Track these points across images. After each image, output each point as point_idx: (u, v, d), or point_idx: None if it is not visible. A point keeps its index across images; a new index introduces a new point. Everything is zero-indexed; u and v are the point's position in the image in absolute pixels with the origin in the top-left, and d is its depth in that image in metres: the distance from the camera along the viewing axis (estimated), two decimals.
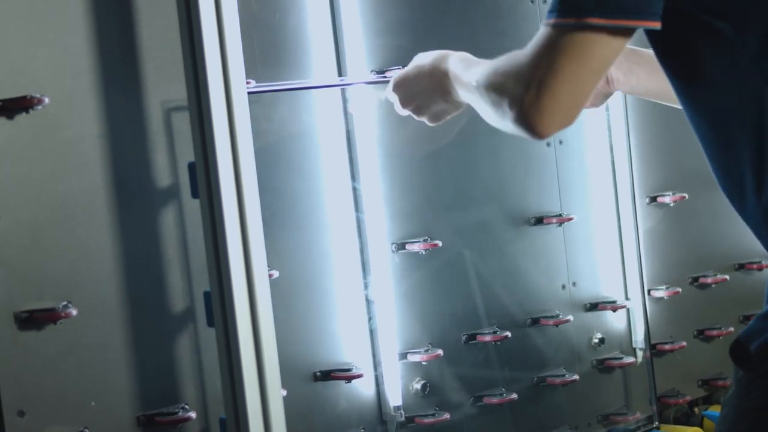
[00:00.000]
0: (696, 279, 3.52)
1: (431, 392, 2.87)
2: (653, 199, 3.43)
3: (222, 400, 2.33)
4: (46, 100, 2.25)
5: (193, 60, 2.26)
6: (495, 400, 2.96)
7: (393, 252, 2.83)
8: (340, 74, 2.74)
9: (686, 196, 3.42)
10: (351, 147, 2.76)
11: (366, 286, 2.78)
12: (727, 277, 3.54)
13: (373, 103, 2.71)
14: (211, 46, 2.25)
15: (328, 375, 2.70)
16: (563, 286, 3.20)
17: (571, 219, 3.17)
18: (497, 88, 1.65)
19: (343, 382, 2.72)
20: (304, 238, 2.69)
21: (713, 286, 3.53)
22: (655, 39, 1.65)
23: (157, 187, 2.45)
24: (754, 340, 1.59)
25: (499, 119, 1.66)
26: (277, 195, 2.61)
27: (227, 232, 2.26)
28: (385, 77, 2.64)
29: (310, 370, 2.69)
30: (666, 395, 3.41)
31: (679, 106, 1.69)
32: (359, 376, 2.71)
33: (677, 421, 3.41)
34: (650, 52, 1.73)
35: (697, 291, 3.53)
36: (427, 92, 1.99)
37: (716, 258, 3.57)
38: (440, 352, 2.84)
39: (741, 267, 3.60)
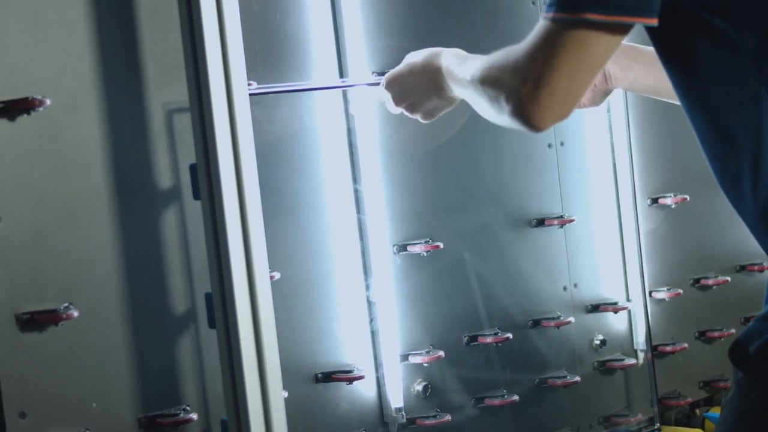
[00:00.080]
0: (697, 280, 3.52)
1: (433, 394, 2.87)
2: (654, 200, 3.42)
3: (223, 402, 2.33)
4: (48, 101, 2.26)
5: (195, 61, 2.26)
6: (496, 401, 2.96)
7: (394, 253, 2.83)
8: (341, 75, 2.74)
9: (687, 197, 3.42)
10: (352, 148, 2.76)
11: (367, 288, 2.78)
12: (729, 278, 3.54)
13: (374, 105, 2.71)
14: (213, 48, 2.25)
15: (329, 376, 2.70)
16: (564, 288, 3.20)
17: (572, 220, 3.17)
18: (494, 82, 1.66)
19: (345, 383, 2.72)
20: (305, 240, 2.69)
21: (714, 287, 3.53)
22: (654, 35, 1.66)
23: (158, 189, 2.45)
24: (753, 342, 1.59)
25: (496, 113, 1.67)
26: (278, 196, 2.61)
27: (228, 234, 2.26)
28: None
29: (312, 372, 2.69)
30: (667, 397, 3.41)
31: (678, 103, 1.70)
32: (360, 377, 2.71)
33: (678, 423, 3.41)
34: (649, 48, 1.74)
35: (698, 292, 3.52)
36: (421, 89, 2.00)
37: (717, 259, 3.56)
38: (441, 353, 2.84)
39: (742, 268, 3.60)
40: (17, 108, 2.24)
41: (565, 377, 3.11)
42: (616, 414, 3.28)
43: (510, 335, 2.97)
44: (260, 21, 2.62)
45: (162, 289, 2.45)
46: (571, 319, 3.14)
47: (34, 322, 2.25)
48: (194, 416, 2.43)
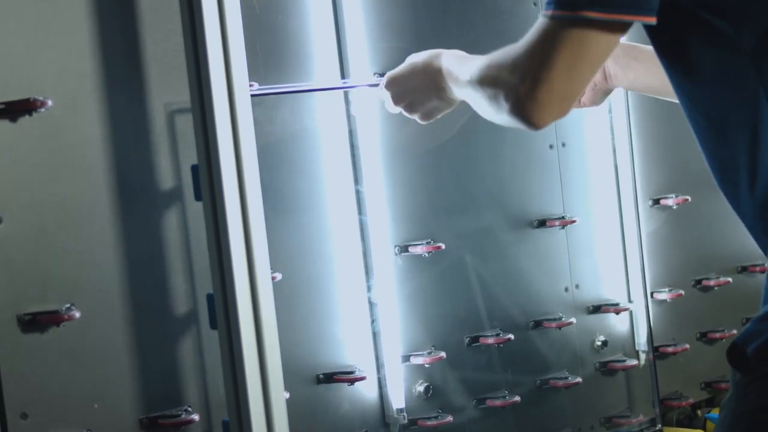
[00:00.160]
0: (699, 281, 3.52)
1: (434, 395, 2.87)
2: (656, 201, 3.42)
3: (225, 403, 2.33)
4: (50, 102, 2.26)
5: (197, 62, 2.27)
6: (498, 402, 2.96)
7: (396, 254, 2.83)
8: (342, 77, 2.74)
9: (689, 198, 3.42)
10: (353, 149, 2.76)
11: (369, 289, 2.78)
12: (730, 279, 3.54)
13: (376, 106, 2.71)
14: (214, 49, 2.25)
15: (330, 377, 2.70)
16: (566, 289, 3.20)
17: (573, 221, 3.17)
18: (492, 80, 1.67)
19: (346, 384, 2.72)
20: (306, 240, 2.69)
21: (716, 288, 3.53)
22: (653, 34, 1.66)
23: (160, 190, 2.45)
24: (750, 343, 1.59)
25: (495, 112, 1.68)
26: (279, 197, 2.61)
27: (230, 235, 2.26)
28: None
29: (313, 373, 2.69)
30: (669, 398, 3.41)
31: (677, 101, 1.70)
32: (362, 378, 2.71)
33: (680, 424, 3.41)
34: (649, 47, 1.74)
35: (699, 293, 3.52)
36: (421, 89, 2.00)
37: (719, 260, 3.56)
38: (443, 354, 2.84)
39: (744, 269, 3.60)
40: (19, 109, 2.24)
41: (566, 378, 3.10)
42: (618, 415, 3.27)
43: (511, 336, 2.97)
44: (262, 22, 2.62)
45: (163, 290, 2.45)
46: (573, 320, 3.14)
47: (36, 322, 2.25)
48: (196, 417, 2.43)
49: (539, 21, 1.60)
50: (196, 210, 2.40)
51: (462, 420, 2.93)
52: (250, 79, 2.35)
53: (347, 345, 2.74)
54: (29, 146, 2.28)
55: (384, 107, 2.16)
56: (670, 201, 3.42)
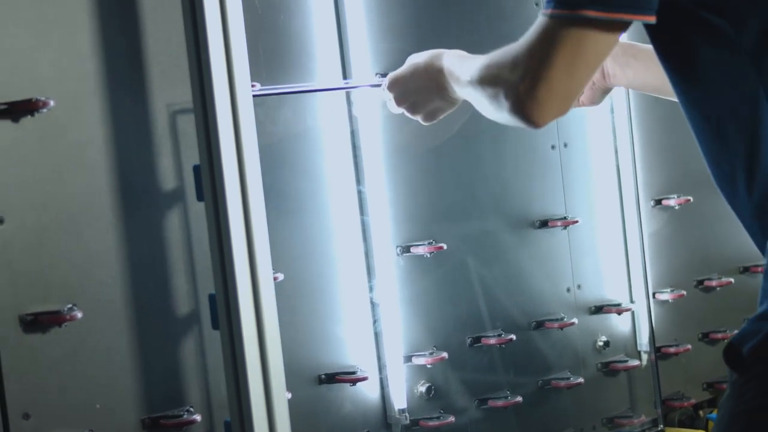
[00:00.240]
0: (701, 282, 3.52)
1: (436, 395, 2.87)
2: (658, 201, 3.42)
3: (227, 403, 2.33)
4: (52, 103, 2.26)
5: (199, 63, 2.27)
6: (500, 403, 2.96)
7: (398, 255, 2.83)
8: (344, 77, 2.74)
9: (691, 198, 3.42)
10: (356, 150, 2.76)
11: (371, 289, 2.78)
12: (732, 279, 3.54)
13: (378, 106, 2.72)
14: (217, 49, 2.25)
15: (332, 378, 2.70)
16: (568, 289, 3.20)
17: (575, 222, 3.17)
18: (493, 79, 1.67)
19: (348, 384, 2.72)
20: (308, 241, 2.69)
21: (718, 288, 3.53)
22: (653, 33, 1.66)
23: (162, 190, 2.45)
24: (746, 343, 1.60)
25: (495, 111, 1.68)
26: (281, 197, 2.61)
27: (232, 235, 2.26)
28: None
29: (315, 373, 2.69)
30: (671, 398, 3.41)
31: (676, 100, 1.70)
32: (364, 378, 2.71)
33: (682, 424, 3.41)
34: (648, 46, 1.74)
35: (701, 294, 3.52)
36: (423, 90, 2.01)
37: (721, 261, 3.56)
38: (445, 355, 2.84)
39: (746, 270, 3.59)
40: (21, 109, 2.24)
41: (568, 379, 3.10)
42: (620, 415, 3.27)
43: (513, 336, 2.97)
44: (264, 22, 2.62)
45: (165, 291, 2.45)
46: (575, 320, 3.14)
47: (38, 323, 2.25)
48: (198, 417, 2.43)
49: (539, 20, 1.60)
50: (198, 210, 2.40)
51: (464, 420, 2.93)
52: (252, 80, 2.35)
53: (349, 345, 2.74)
54: (31, 147, 2.28)
55: (386, 107, 2.16)
56: (672, 201, 3.42)
